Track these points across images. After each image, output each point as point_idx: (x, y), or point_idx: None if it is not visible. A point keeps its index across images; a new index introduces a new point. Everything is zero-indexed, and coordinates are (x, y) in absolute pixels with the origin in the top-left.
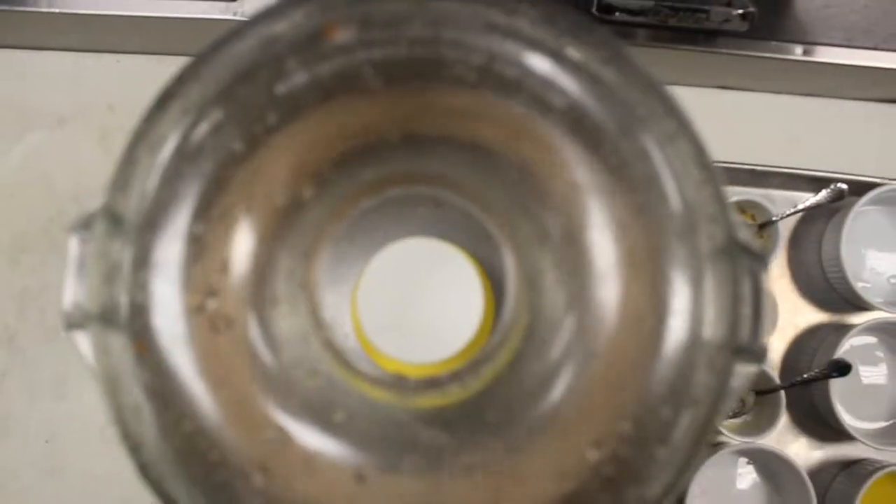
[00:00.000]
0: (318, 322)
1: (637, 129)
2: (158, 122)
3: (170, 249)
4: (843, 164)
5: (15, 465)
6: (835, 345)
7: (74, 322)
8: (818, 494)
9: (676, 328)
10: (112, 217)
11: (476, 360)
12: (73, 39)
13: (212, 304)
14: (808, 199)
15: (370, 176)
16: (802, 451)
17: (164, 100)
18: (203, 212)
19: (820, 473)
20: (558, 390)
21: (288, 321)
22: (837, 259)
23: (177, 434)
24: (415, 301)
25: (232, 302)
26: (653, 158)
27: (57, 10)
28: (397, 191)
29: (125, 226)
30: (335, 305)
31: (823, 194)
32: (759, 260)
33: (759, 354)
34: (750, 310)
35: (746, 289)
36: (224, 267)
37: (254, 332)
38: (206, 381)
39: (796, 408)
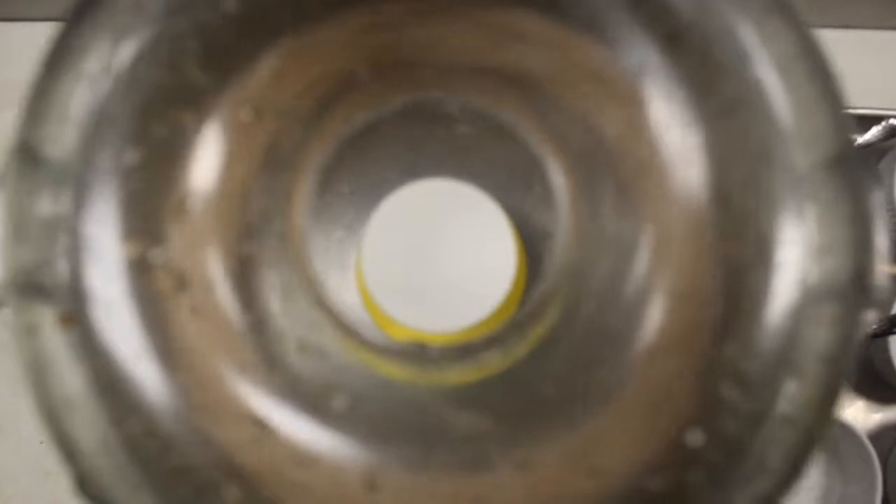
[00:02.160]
0: (306, 277)
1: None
2: (82, 33)
3: (104, 187)
4: (893, 100)
5: (9, 468)
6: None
7: None
8: (880, 460)
9: (778, 263)
10: (28, 156)
11: (517, 319)
12: (46, 8)
13: (159, 256)
14: (858, 138)
15: (369, 87)
16: (860, 415)
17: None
18: (143, 133)
19: (880, 438)
20: (633, 346)
21: (266, 278)
22: (891, 201)
23: (124, 434)
24: (433, 255)
25: (188, 254)
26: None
27: None
28: (405, 98)
29: (46, 165)
30: (328, 264)
31: (874, 132)
32: (872, 179)
33: (878, 295)
34: (864, 240)
35: (859, 214)
36: (178, 207)
37: (221, 292)
38: (159, 361)
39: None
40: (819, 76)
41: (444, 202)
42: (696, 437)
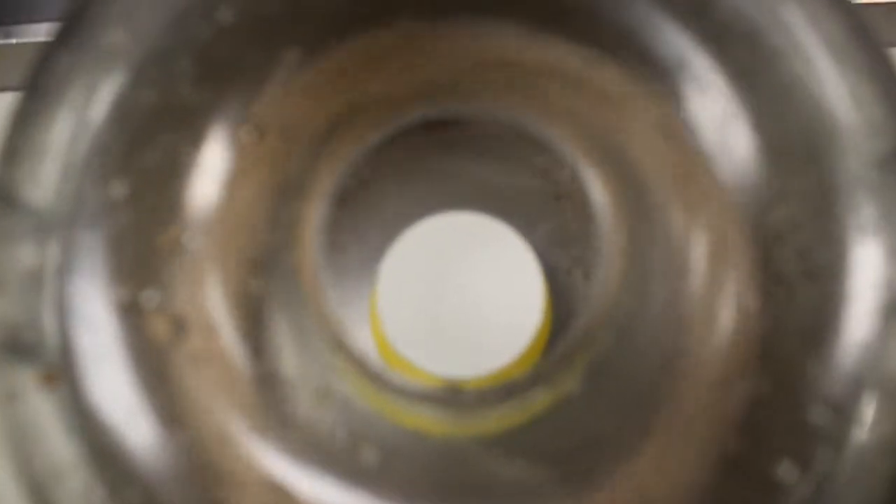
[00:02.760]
0: (321, 318)
1: None
2: (64, 60)
3: (90, 226)
4: None
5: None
6: None
7: None
8: None
9: (849, 270)
10: (5, 200)
11: (562, 351)
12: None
13: (153, 299)
14: None
15: (382, 104)
16: None
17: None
18: (131, 163)
19: None
20: (699, 369)
21: (276, 319)
22: None
23: None
24: (456, 294)
25: (187, 295)
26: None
27: None
28: (421, 114)
29: (25, 210)
30: (344, 303)
31: None
32: None
33: None
34: None
35: None
36: (173, 242)
37: (226, 337)
38: (158, 419)
39: None
40: (873, 61)
41: (465, 236)
42: (787, 471)
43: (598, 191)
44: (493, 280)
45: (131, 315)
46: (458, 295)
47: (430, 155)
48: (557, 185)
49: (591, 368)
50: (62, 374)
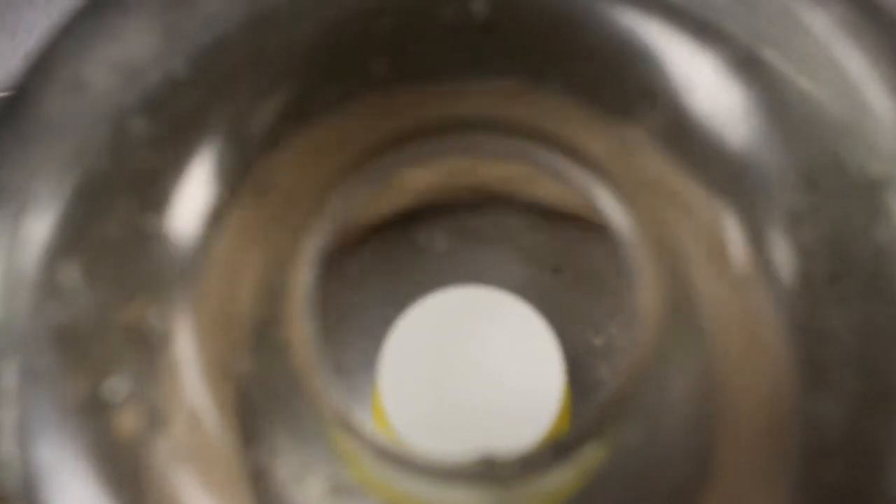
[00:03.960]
0: (320, 398)
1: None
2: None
3: (42, 325)
4: None
5: None
6: None
7: None
8: None
9: None
10: None
11: (606, 402)
12: None
13: (119, 389)
14: None
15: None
16: None
17: None
18: (83, 239)
19: None
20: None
21: (269, 402)
22: None
23: None
24: (466, 376)
25: (162, 380)
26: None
27: None
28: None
29: None
30: (346, 384)
31: None
32: None
33: None
34: None
35: None
36: (137, 323)
37: (211, 427)
38: None
39: None
40: None
41: (472, 312)
42: None
43: (636, 261)
44: (507, 358)
45: (93, 412)
46: (470, 376)
47: (423, 237)
48: (555, 257)
49: (619, 445)
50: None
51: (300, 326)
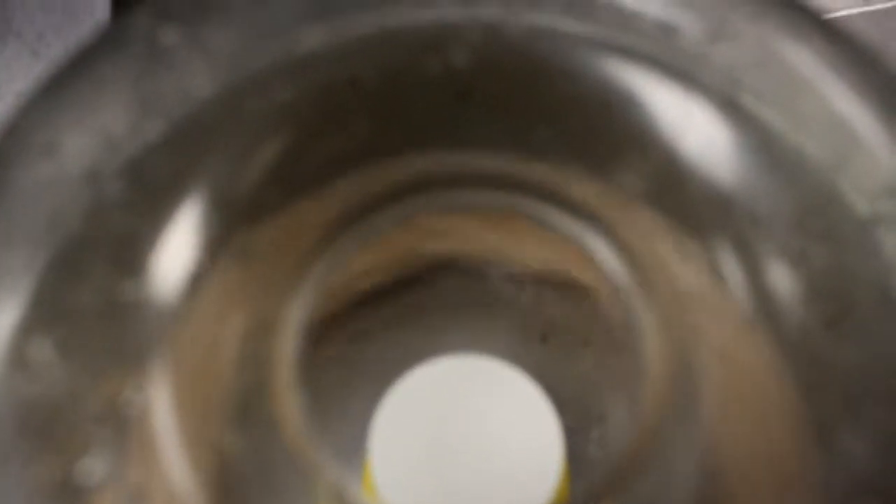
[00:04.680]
0: (314, 475)
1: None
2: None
3: (8, 405)
4: None
5: None
6: None
7: None
8: None
9: None
10: None
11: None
12: None
13: (94, 472)
14: None
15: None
16: None
17: None
18: (54, 310)
19: None
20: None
21: (259, 484)
22: None
23: None
24: (462, 451)
25: (141, 459)
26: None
27: None
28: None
29: None
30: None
31: None
32: None
33: None
34: None
35: None
36: (112, 398)
37: (192, 501)
38: None
39: None
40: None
41: (465, 382)
42: None
43: (636, 311)
44: (503, 428)
45: (66, 497)
46: (465, 448)
47: (408, 307)
48: (542, 323)
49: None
50: None
51: (287, 398)
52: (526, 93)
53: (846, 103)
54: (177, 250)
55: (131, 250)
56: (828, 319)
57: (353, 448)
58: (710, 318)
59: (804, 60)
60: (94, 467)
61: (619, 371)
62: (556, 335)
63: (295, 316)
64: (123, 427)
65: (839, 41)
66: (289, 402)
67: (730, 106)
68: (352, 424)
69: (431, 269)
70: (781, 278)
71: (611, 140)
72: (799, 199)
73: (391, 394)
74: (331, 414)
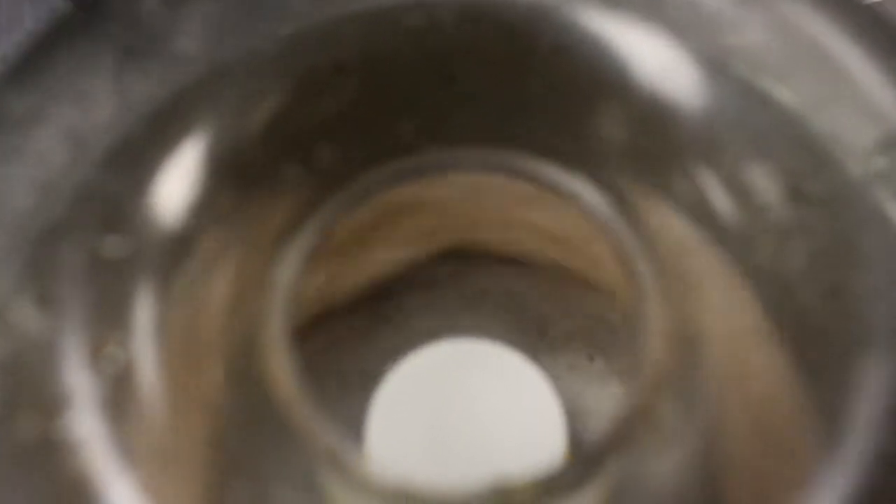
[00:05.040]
0: (306, 432)
1: None
2: None
3: None
4: None
5: None
6: None
7: None
8: None
9: None
10: None
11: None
12: None
13: (75, 428)
14: None
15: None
16: None
17: None
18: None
19: None
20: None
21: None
22: None
23: None
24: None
25: (125, 423)
26: None
27: None
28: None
29: None
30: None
31: None
32: None
33: None
34: None
35: None
36: (95, 358)
37: (179, 459)
38: None
39: None
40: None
41: (464, 365)
42: None
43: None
44: (503, 410)
45: (47, 453)
46: (465, 432)
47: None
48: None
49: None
50: None
51: (278, 357)
52: (511, 63)
53: (838, 68)
54: (163, 209)
55: (117, 208)
56: (829, 289)
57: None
58: (707, 276)
59: (795, 9)
60: (75, 424)
61: (616, 365)
62: (554, 329)
63: (283, 276)
64: (106, 383)
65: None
66: (280, 361)
67: (719, 66)
68: (346, 426)
69: (424, 264)
70: (778, 247)
71: (591, 90)
72: (792, 165)
73: (391, 376)
74: (327, 400)
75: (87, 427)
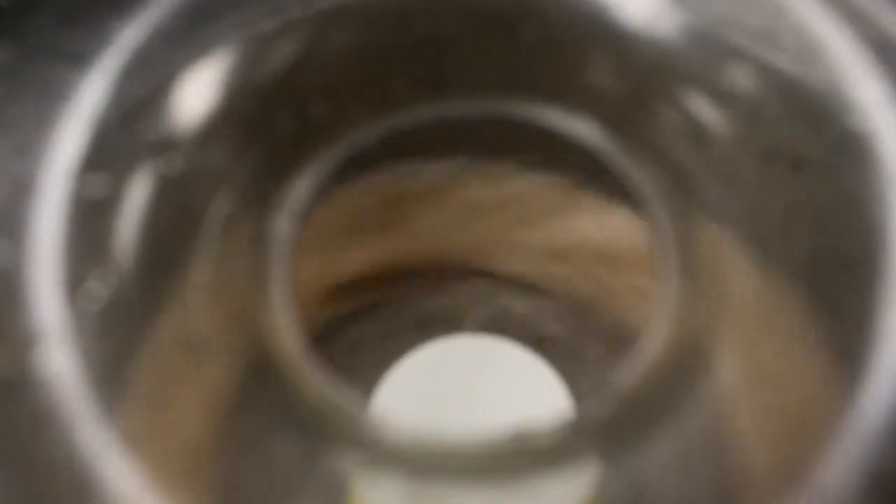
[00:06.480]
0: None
1: None
2: None
3: None
4: None
5: None
6: None
7: None
8: None
9: None
10: None
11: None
12: None
13: (46, 361)
14: None
15: None
16: None
17: None
18: None
19: None
20: None
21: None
22: None
23: None
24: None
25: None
26: None
27: None
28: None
29: None
30: None
31: None
32: None
33: None
34: None
35: None
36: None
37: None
38: None
39: None
40: None
41: (471, 360)
42: None
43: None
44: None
45: (21, 388)
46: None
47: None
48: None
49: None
50: None
51: (279, 313)
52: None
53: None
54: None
55: (96, 145)
56: (839, 261)
57: None
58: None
59: None
60: (47, 358)
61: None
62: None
63: (279, 231)
64: (84, 319)
65: None
66: (281, 317)
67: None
68: None
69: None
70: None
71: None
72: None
73: (395, 370)
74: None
75: (59, 363)
